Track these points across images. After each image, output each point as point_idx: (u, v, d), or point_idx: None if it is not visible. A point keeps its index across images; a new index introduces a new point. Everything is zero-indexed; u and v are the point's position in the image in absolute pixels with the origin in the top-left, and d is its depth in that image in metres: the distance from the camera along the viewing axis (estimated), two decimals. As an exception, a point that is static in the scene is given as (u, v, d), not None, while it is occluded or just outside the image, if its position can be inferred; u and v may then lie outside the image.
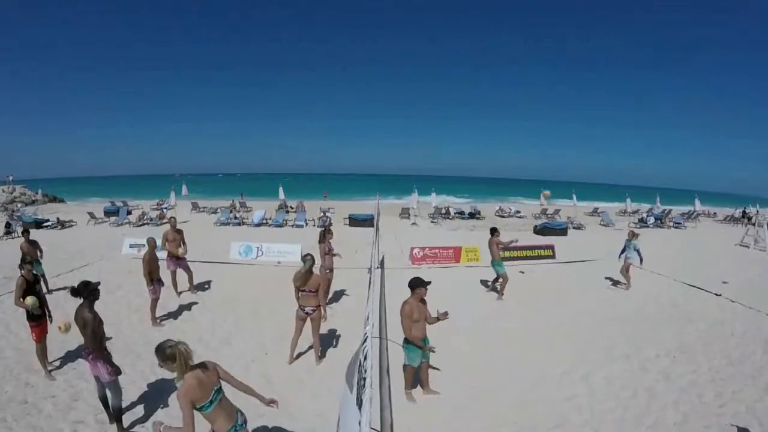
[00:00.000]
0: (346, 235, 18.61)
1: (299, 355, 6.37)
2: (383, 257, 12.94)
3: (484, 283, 11.09)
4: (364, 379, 2.05)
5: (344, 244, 15.96)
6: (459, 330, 7.56)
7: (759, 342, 7.27)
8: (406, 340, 5.08)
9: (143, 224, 20.74)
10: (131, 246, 13.83)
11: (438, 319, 5.11)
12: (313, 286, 5.95)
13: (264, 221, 21.52)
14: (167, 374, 5.78)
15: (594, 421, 4.97)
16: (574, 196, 25.68)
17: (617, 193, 48.77)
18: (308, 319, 6.04)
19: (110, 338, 6.36)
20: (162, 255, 8.66)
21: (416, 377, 5.37)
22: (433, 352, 5.10)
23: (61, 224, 20.00)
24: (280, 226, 20.83)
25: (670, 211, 30.18)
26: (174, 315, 8.20)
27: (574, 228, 21.86)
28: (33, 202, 34.13)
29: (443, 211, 25.78)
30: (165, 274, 8.77)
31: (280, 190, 28.06)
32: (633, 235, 10.57)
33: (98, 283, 4.56)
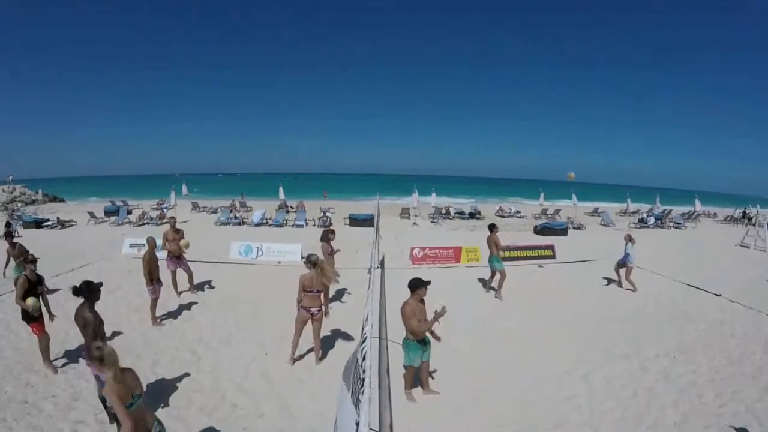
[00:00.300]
0: (346, 234, 18.62)
1: (300, 356, 6.36)
2: (383, 257, 12.91)
3: (484, 283, 11.09)
4: (362, 379, 2.05)
5: (344, 244, 15.97)
6: (459, 330, 7.56)
7: (759, 342, 7.27)
8: (407, 340, 5.06)
9: (143, 224, 20.75)
10: (131, 246, 13.83)
11: (436, 319, 4.88)
12: (320, 286, 5.97)
13: (264, 221, 21.53)
14: (167, 374, 5.82)
15: (594, 421, 4.97)
16: (574, 196, 25.69)
17: (617, 193, 48.76)
18: (311, 320, 6.00)
19: (111, 338, 6.37)
20: (162, 255, 8.64)
21: (416, 377, 5.35)
22: (438, 340, 5.28)
23: (61, 224, 20.01)
24: (280, 225, 20.84)
25: (671, 211, 30.18)
26: (174, 315, 8.20)
27: (574, 228, 21.87)
28: (33, 202, 34.16)
29: (443, 211, 25.79)
30: (165, 273, 8.78)
31: (280, 189, 28.08)
32: (630, 239, 10.37)
33: (100, 284, 4.56)
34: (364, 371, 2.01)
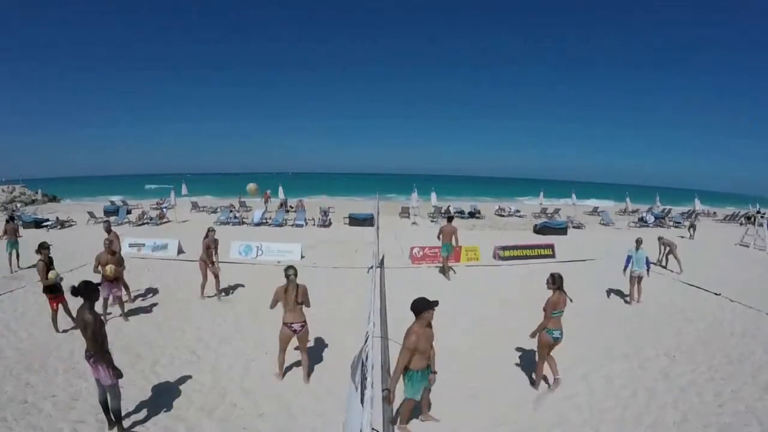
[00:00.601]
0: (346, 234, 18.62)
1: (291, 365, 6.15)
2: (383, 257, 12.94)
3: (484, 282, 11.09)
4: (366, 378, 2.05)
5: (344, 244, 16.00)
6: (458, 329, 7.57)
7: (758, 341, 7.28)
8: (408, 371, 4.35)
9: (143, 224, 20.75)
10: (131, 245, 13.83)
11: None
12: (300, 299, 5.40)
13: (264, 221, 21.52)
14: (167, 374, 5.82)
15: (593, 420, 4.97)
16: (574, 196, 25.69)
17: (617, 193, 48.77)
18: (295, 337, 5.48)
19: (111, 338, 6.37)
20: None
21: (417, 410, 4.79)
22: (435, 373, 4.65)
23: (61, 224, 20.00)
24: (280, 225, 20.83)
25: (670, 210, 30.19)
26: (174, 315, 8.19)
27: (573, 227, 21.88)
28: (33, 202, 34.13)
29: (443, 210, 25.78)
30: (166, 274, 8.71)
31: (280, 189, 28.06)
32: (639, 243, 9.57)
33: (99, 284, 4.56)
34: (367, 370, 2.01)
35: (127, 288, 8.73)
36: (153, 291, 9.72)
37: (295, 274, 5.44)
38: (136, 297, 9.18)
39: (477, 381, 5.78)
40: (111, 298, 7.84)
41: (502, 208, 29.98)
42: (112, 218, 22.21)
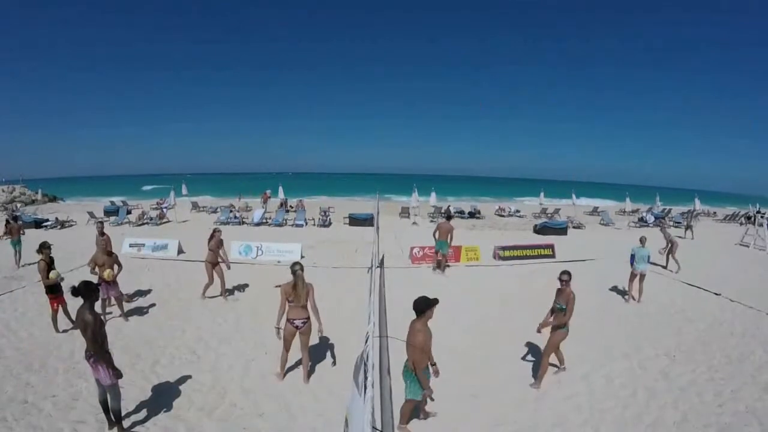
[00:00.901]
0: (346, 234, 18.62)
1: (292, 365, 6.16)
2: (383, 256, 12.94)
3: (484, 282, 11.09)
4: (366, 378, 2.05)
5: (344, 244, 16.00)
6: (458, 329, 7.57)
7: (758, 341, 7.28)
8: (409, 371, 4.39)
9: (143, 224, 20.75)
10: (131, 246, 13.84)
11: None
12: (302, 297, 5.44)
13: (264, 221, 21.52)
14: (167, 374, 5.82)
15: (593, 420, 4.98)
16: (574, 195, 25.70)
17: (617, 193, 48.78)
18: (297, 333, 5.50)
19: (111, 338, 6.37)
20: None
21: (416, 410, 4.79)
22: (435, 365, 4.59)
23: (61, 224, 20.00)
24: (280, 225, 20.83)
25: (670, 210, 30.21)
26: (174, 315, 8.19)
27: (573, 227, 21.87)
28: (33, 202, 34.13)
29: (443, 210, 25.79)
30: (162, 274, 8.70)
31: (280, 189, 28.06)
32: (644, 242, 9.62)
33: (99, 284, 4.56)
34: (368, 370, 2.02)
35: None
36: (153, 291, 9.72)
37: (302, 269, 5.43)
38: (136, 297, 9.18)
39: (477, 381, 5.78)
40: (110, 298, 7.83)
41: (502, 208, 29.97)
42: (112, 218, 22.23)
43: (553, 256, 14.08)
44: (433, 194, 24.92)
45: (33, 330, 7.21)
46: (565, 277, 5.60)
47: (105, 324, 4.53)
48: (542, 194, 27.05)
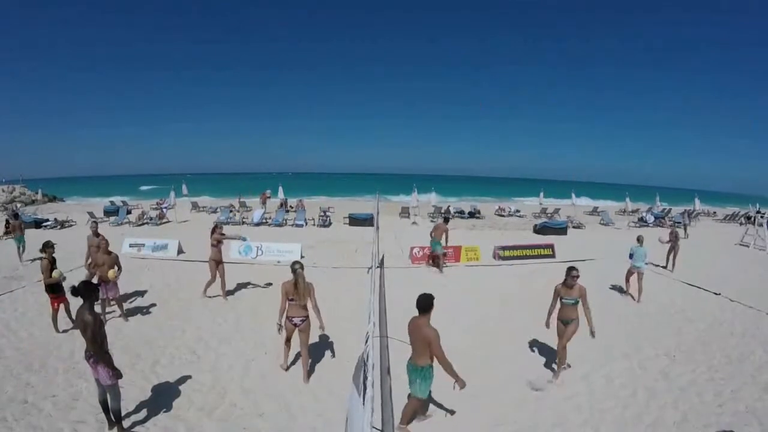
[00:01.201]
0: (346, 234, 18.62)
1: (292, 364, 6.18)
2: (383, 256, 12.94)
3: (484, 282, 11.09)
4: (366, 378, 2.06)
5: (344, 244, 16.00)
6: (459, 329, 7.57)
7: (758, 341, 7.28)
8: (428, 368, 4.36)
9: (143, 224, 20.75)
10: (131, 246, 13.83)
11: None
12: (302, 295, 5.51)
13: (264, 221, 21.51)
14: (167, 375, 5.82)
15: (593, 420, 4.98)
16: (573, 195, 25.69)
17: (617, 193, 48.77)
18: (296, 330, 5.58)
19: (111, 338, 6.37)
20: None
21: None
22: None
23: (60, 224, 20.01)
24: (280, 225, 20.83)
25: (670, 210, 30.21)
26: (174, 315, 8.19)
27: (573, 227, 21.87)
28: (33, 202, 34.13)
29: (443, 210, 25.80)
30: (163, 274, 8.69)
31: (280, 189, 28.06)
32: (641, 240, 9.76)
33: (98, 284, 4.56)
34: (368, 371, 2.02)
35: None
36: (153, 291, 9.71)
37: (302, 268, 5.49)
38: (134, 297, 9.17)
39: (477, 381, 5.75)
40: (109, 299, 7.81)
41: (502, 208, 29.97)
42: (112, 218, 22.24)
43: (553, 256, 14.08)
44: (434, 194, 24.92)
45: (33, 330, 7.21)
46: (576, 273, 5.73)
47: (105, 324, 4.52)
48: (542, 194, 27.04)
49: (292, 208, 27.38)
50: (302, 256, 13.40)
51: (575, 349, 6.80)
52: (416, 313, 4.41)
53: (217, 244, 8.86)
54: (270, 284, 10.17)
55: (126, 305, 8.24)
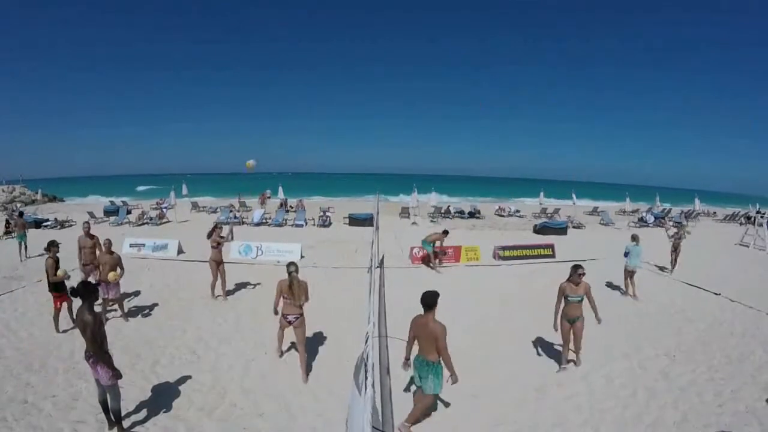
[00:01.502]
0: (346, 234, 18.62)
1: (292, 364, 6.29)
2: (383, 257, 12.94)
3: (484, 282, 11.09)
4: (367, 378, 2.06)
5: (344, 244, 16.00)
6: (459, 329, 7.55)
7: (758, 341, 7.28)
8: (438, 365, 4.40)
9: (143, 224, 20.75)
10: (131, 246, 13.84)
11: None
12: (300, 293, 5.68)
13: (264, 221, 21.51)
14: (167, 375, 5.81)
15: (593, 420, 4.97)
16: (574, 196, 25.69)
17: (617, 193, 48.77)
18: (291, 327, 5.75)
19: (111, 338, 6.37)
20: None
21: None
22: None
23: (60, 224, 20.01)
24: (280, 225, 20.83)
25: (670, 210, 30.22)
26: (174, 315, 8.19)
27: (573, 227, 21.88)
28: (32, 202, 34.15)
29: (443, 210, 25.80)
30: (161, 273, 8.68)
31: (280, 189, 28.07)
32: (637, 239, 9.89)
33: (98, 284, 4.56)
34: (368, 370, 2.02)
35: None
36: (153, 291, 9.71)
37: (297, 270, 5.66)
38: (136, 297, 9.17)
39: (477, 381, 5.77)
40: (110, 299, 7.80)
41: (502, 208, 29.97)
42: (112, 218, 22.24)
43: (553, 256, 14.08)
44: (433, 194, 24.91)
45: (33, 330, 7.21)
46: (582, 270, 5.92)
47: (105, 324, 4.52)
48: (542, 194, 27.04)
49: (292, 208, 27.38)
50: (302, 256, 13.41)
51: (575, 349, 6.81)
52: (416, 312, 4.48)
53: (217, 245, 8.88)
54: (270, 284, 10.16)
55: (126, 305, 8.24)
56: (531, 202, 37.83)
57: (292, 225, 20.99)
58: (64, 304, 7.17)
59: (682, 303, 9.45)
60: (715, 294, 10.08)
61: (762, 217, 21.03)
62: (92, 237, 8.63)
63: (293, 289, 5.57)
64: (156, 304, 8.71)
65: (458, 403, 5.24)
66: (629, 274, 9.77)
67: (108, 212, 24.27)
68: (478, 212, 26.68)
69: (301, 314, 5.71)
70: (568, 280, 5.98)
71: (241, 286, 10.16)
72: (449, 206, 27.87)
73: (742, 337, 7.51)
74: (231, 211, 23.92)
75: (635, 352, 6.84)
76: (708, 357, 6.65)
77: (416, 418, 4.66)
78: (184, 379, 5.69)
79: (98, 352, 4.22)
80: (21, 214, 15.84)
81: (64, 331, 7.09)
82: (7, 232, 17.39)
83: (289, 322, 5.71)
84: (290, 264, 5.72)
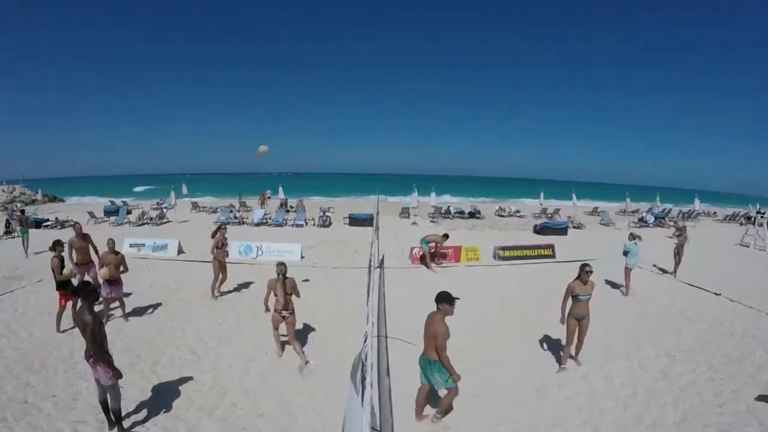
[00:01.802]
0: (346, 234, 18.62)
1: (292, 364, 6.32)
2: (383, 257, 12.94)
3: (484, 282, 11.09)
4: (365, 378, 2.06)
5: (344, 244, 15.99)
6: (459, 329, 7.54)
7: (758, 341, 7.27)
8: (436, 361, 4.51)
9: (143, 224, 20.76)
10: (131, 246, 13.84)
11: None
12: (288, 291, 6.10)
13: (264, 221, 21.52)
14: (167, 375, 5.82)
15: (593, 420, 4.97)
16: (574, 196, 25.68)
17: (617, 193, 48.76)
18: (283, 321, 6.13)
19: (111, 338, 6.37)
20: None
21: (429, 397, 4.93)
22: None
23: (61, 224, 20.01)
24: (280, 225, 20.83)
25: (670, 210, 30.21)
26: (174, 315, 8.19)
27: (574, 227, 21.87)
28: (33, 202, 34.17)
29: (443, 210, 25.80)
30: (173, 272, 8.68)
31: (280, 189, 28.08)
32: (633, 237, 10.16)
33: (98, 285, 4.56)
34: (366, 371, 2.02)
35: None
36: (153, 291, 9.72)
37: (285, 269, 6.22)
38: (136, 297, 9.17)
39: (477, 381, 5.77)
40: (113, 298, 7.80)
41: (502, 208, 29.96)
42: (112, 218, 22.24)
43: (553, 256, 14.08)
44: (433, 194, 24.92)
45: (33, 330, 7.21)
46: (589, 268, 6.06)
47: (105, 324, 4.52)
48: (542, 194, 27.03)
49: (292, 208, 27.38)
50: (302, 257, 13.41)
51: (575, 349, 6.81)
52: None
53: (221, 246, 8.92)
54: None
55: (126, 305, 8.23)
56: (531, 202, 37.83)
57: (292, 225, 20.99)
58: (70, 303, 7.17)
59: (682, 303, 9.45)
60: (716, 294, 10.08)
61: (762, 217, 21.02)
62: (84, 237, 8.48)
63: (284, 287, 6.05)
64: (156, 304, 8.71)
65: (458, 403, 5.23)
66: (628, 271, 9.92)
67: (108, 212, 24.27)
68: (478, 212, 26.68)
69: (293, 311, 6.13)
70: (577, 278, 6.08)
71: (241, 286, 10.16)
72: (449, 206, 27.87)
73: (742, 337, 7.51)
74: (231, 211, 23.92)
75: (635, 352, 6.84)
76: (708, 357, 6.64)
77: (446, 408, 4.83)
78: (184, 379, 5.69)
79: (98, 352, 4.22)
80: (23, 212, 16.55)
81: (64, 331, 7.09)
82: (7, 232, 17.38)
83: (283, 317, 6.08)
84: (279, 264, 6.22)
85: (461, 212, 26.66)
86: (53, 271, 7.15)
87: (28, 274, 10.84)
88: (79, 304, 4.37)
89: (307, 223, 21.18)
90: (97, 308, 4.66)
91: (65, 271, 7.15)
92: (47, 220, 20.44)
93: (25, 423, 4.64)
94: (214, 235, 9.14)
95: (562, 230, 19.80)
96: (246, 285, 10.26)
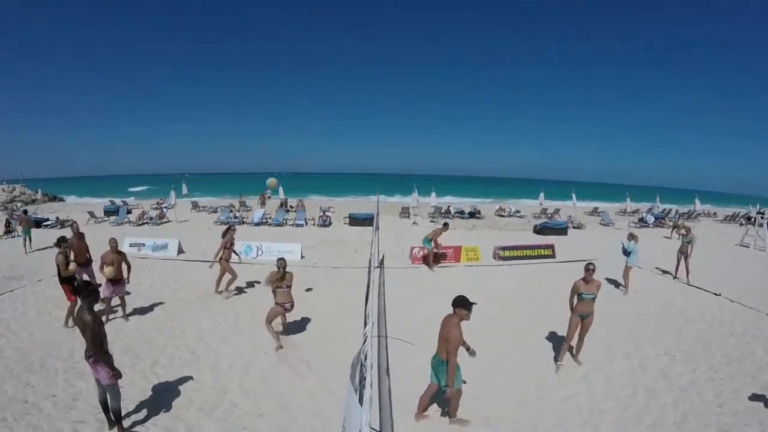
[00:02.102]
0: (346, 234, 18.62)
1: (299, 355, 6.37)
2: (383, 257, 12.93)
3: (484, 282, 11.08)
4: (365, 378, 2.06)
5: (344, 244, 15.99)
6: (459, 329, 7.56)
7: (758, 341, 7.28)
8: (447, 363, 4.51)
9: (143, 223, 20.76)
10: (131, 245, 13.83)
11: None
12: (288, 283, 6.61)
13: (264, 220, 21.52)
14: (167, 375, 5.82)
15: (593, 420, 4.97)
16: (574, 196, 25.67)
17: (617, 193, 48.75)
18: (284, 313, 6.79)
19: (111, 338, 6.37)
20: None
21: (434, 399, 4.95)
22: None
23: (61, 223, 20.01)
24: (280, 225, 20.83)
25: (670, 210, 30.21)
26: (174, 315, 8.19)
27: (574, 227, 21.87)
28: (33, 202, 34.17)
29: (443, 210, 25.80)
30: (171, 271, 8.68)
31: (280, 189, 28.07)
32: (632, 237, 10.21)
33: (99, 285, 4.56)
34: (366, 371, 2.02)
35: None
36: (153, 291, 9.72)
37: (285, 264, 6.67)
38: (136, 297, 9.16)
39: (477, 381, 5.77)
40: (115, 297, 7.79)
41: (502, 208, 29.96)
42: (112, 218, 22.25)
43: (553, 256, 14.08)
44: (433, 194, 24.92)
45: (33, 330, 7.21)
46: (592, 266, 6.15)
47: (105, 324, 4.52)
48: (542, 194, 27.03)
49: (292, 208, 27.38)
50: (302, 257, 13.41)
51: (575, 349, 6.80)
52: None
53: (230, 246, 8.99)
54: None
55: (126, 305, 8.22)
56: (531, 202, 37.79)
57: (292, 225, 20.99)
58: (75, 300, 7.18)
59: (682, 303, 9.45)
60: (715, 294, 10.08)
61: (762, 217, 21.00)
62: (81, 237, 8.53)
63: (284, 278, 6.55)
64: (156, 304, 8.72)
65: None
66: (628, 270, 10.04)
67: (108, 212, 24.28)
68: (478, 212, 26.68)
69: (293, 302, 6.68)
70: (583, 278, 6.15)
71: (241, 286, 10.16)
72: (449, 206, 27.87)
73: (742, 337, 7.51)
74: (231, 211, 23.92)
75: (635, 352, 6.84)
76: (708, 357, 6.65)
77: (455, 408, 4.84)
78: (184, 379, 5.69)
79: (98, 351, 4.22)
80: (25, 212, 16.71)
81: (72, 326, 7.07)
82: (7, 232, 17.38)
83: (286, 309, 6.62)
84: (279, 259, 6.76)
85: (461, 212, 26.66)
86: (58, 267, 7.20)
87: (28, 273, 10.84)
88: (79, 303, 4.38)
89: (307, 223, 21.18)
90: (97, 308, 4.67)
91: (70, 267, 7.30)
92: (47, 220, 20.45)
93: (25, 423, 4.64)
94: (224, 235, 9.27)
95: (562, 230, 19.80)
96: (246, 285, 10.26)
